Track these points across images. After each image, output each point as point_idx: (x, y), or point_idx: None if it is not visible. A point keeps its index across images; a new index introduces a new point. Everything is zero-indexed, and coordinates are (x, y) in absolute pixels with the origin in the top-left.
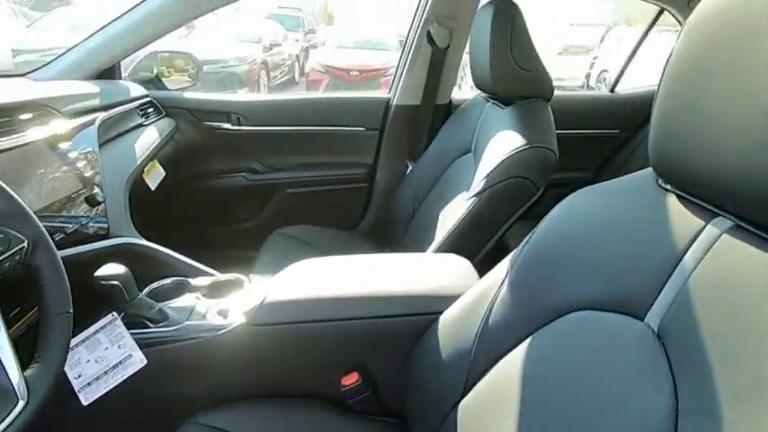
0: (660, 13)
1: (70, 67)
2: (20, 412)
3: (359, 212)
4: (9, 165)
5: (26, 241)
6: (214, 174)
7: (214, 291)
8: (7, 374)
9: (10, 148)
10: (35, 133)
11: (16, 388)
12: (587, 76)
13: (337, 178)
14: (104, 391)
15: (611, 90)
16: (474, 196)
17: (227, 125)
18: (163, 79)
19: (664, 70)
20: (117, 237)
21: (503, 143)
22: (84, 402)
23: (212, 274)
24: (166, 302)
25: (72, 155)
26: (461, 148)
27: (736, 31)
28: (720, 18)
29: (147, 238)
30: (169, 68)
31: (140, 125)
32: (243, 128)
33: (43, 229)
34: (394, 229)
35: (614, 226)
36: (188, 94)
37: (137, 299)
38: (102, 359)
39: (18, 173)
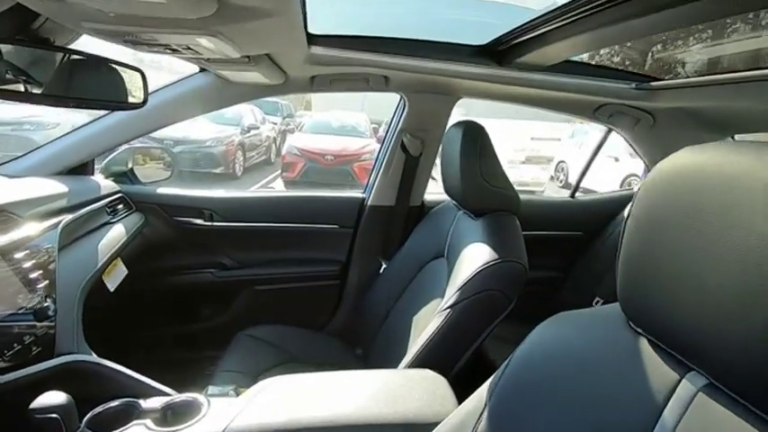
0: (609, 131)
1: (42, 162)
2: None
3: (330, 311)
4: None
5: None
6: (180, 269)
7: (167, 415)
8: None
9: None
10: None
11: None
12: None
13: (309, 275)
14: None
15: (571, 196)
16: (448, 308)
17: (199, 221)
18: (137, 168)
19: (626, 221)
20: (63, 354)
21: (475, 255)
22: None
23: (167, 394)
24: None
25: (27, 264)
26: (434, 251)
27: (687, 197)
28: (674, 183)
29: (100, 345)
30: (144, 157)
31: (107, 223)
32: (215, 224)
33: None
34: (365, 329)
35: (589, 366)
36: (161, 190)
37: None
38: None
39: None
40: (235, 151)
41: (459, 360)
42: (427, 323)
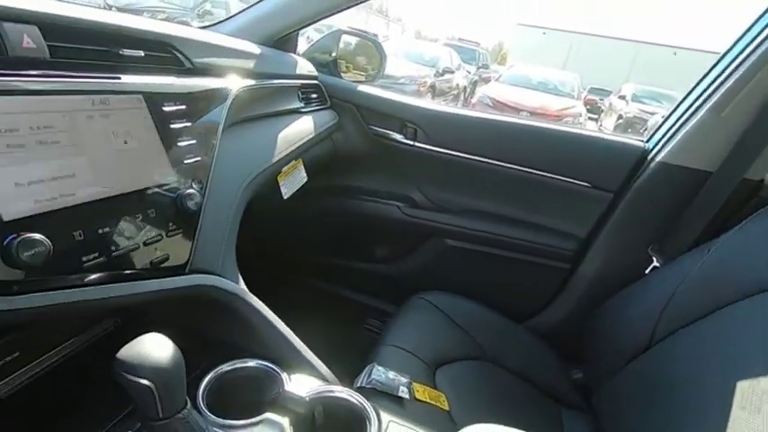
0: None
1: (240, 29)
2: None
3: (542, 301)
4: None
5: None
6: (364, 194)
7: (314, 415)
8: None
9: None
10: (134, 82)
11: None
12: None
13: (523, 245)
14: None
15: None
16: None
17: (398, 136)
18: (341, 58)
19: None
20: (198, 272)
21: None
22: None
23: (317, 371)
24: (230, 421)
25: (176, 126)
26: None
27: None
28: None
29: (249, 267)
30: (348, 63)
31: (296, 111)
32: (417, 144)
33: None
34: (595, 354)
35: None
36: (363, 88)
37: (177, 416)
38: None
39: (87, 133)
40: (425, 93)
41: None
42: None
